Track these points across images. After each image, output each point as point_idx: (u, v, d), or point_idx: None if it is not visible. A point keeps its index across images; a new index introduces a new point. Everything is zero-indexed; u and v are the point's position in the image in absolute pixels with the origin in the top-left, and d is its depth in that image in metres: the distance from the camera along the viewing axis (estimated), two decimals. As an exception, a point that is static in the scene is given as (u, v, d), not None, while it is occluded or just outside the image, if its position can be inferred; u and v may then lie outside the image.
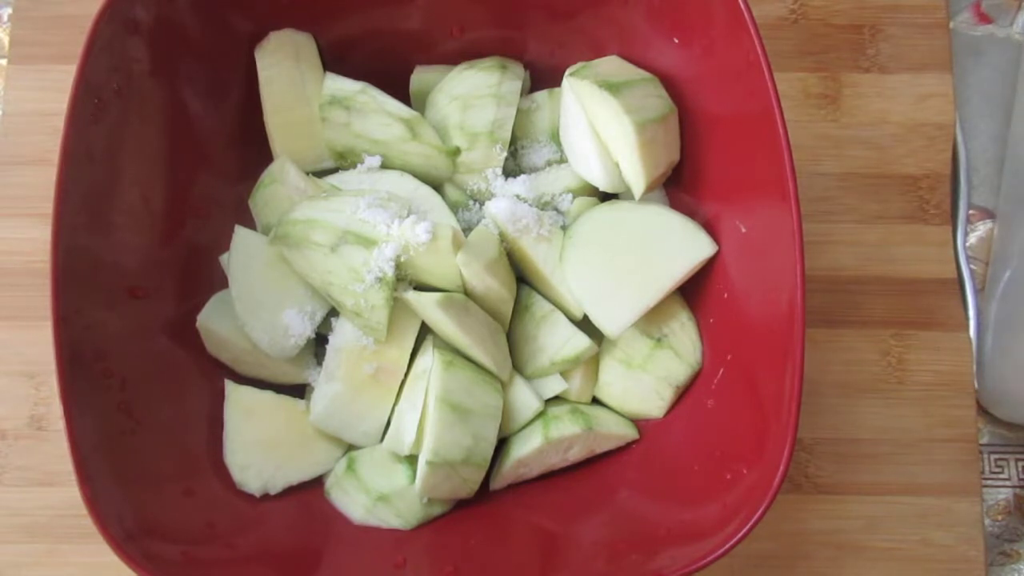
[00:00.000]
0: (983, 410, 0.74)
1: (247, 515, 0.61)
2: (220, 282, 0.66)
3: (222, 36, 0.66)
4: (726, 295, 0.63)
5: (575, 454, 0.64)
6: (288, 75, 0.68)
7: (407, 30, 0.69)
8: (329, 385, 0.63)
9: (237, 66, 0.67)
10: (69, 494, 0.55)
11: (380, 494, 0.62)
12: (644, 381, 0.63)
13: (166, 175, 0.65)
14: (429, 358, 0.62)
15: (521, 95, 0.69)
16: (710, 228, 0.64)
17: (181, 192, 0.66)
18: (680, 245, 0.63)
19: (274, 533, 0.61)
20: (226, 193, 0.69)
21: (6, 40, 0.79)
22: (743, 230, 0.62)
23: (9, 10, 0.78)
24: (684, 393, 0.64)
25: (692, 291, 0.65)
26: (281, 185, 0.67)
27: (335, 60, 0.69)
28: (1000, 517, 0.72)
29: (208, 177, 0.67)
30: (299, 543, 0.61)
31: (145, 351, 0.62)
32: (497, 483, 0.63)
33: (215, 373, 0.66)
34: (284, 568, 0.59)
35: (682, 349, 0.64)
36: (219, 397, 0.64)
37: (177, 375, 0.64)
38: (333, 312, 0.65)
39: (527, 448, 0.62)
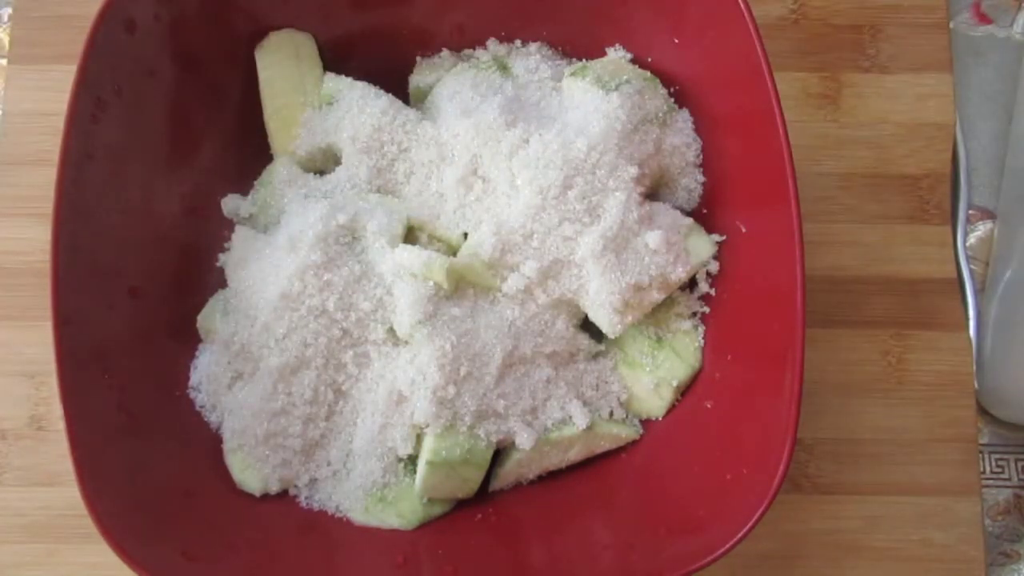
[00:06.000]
0: (983, 410, 0.73)
1: (247, 515, 0.61)
2: (220, 282, 0.66)
3: (222, 36, 0.66)
4: (726, 296, 0.63)
5: (575, 454, 0.63)
6: (288, 75, 0.68)
7: (407, 30, 0.69)
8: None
9: (237, 66, 0.67)
10: (69, 494, 0.55)
11: (380, 494, 0.62)
12: (644, 381, 0.63)
13: (166, 175, 0.65)
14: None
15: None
16: (710, 228, 0.64)
17: (181, 192, 0.66)
18: (680, 245, 0.63)
19: (274, 533, 0.61)
20: (226, 193, 0.69)
21: (6, 40, 0.79)
22: (743, 230, 0.62)
23: (9, 10, 0.78)
24: (684, 393, 0.64)
25: (692, 291, 0.65)
26: (281, 185, 0.67)
27: (335, 60, 0.69)
28: (1000, 517, 0.72)
29: (208, 177, 0.67)
30: (299, 543, 0.61)
31: (145, 351, 0.62)
32: (497, 483, 0.63)
33: (215, 373, 0.65)
34: (284, 568, 0.59)
35: (682, 349, 0.64)
36: (219, 397, 0.64)
37: (177, 375, 0.64)
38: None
39: (527, 448, 0.62)
